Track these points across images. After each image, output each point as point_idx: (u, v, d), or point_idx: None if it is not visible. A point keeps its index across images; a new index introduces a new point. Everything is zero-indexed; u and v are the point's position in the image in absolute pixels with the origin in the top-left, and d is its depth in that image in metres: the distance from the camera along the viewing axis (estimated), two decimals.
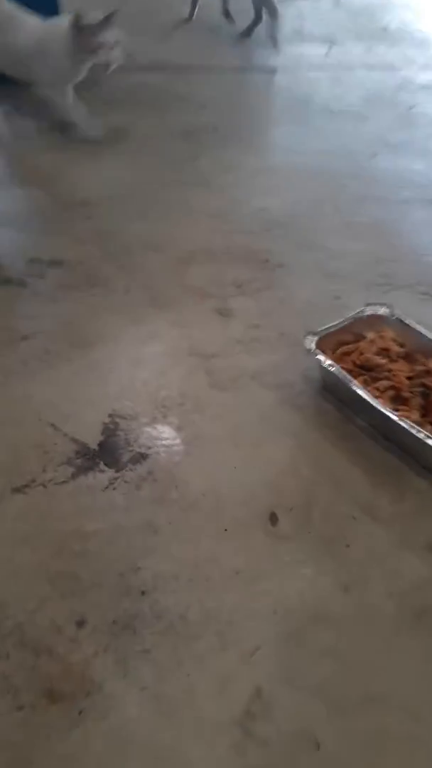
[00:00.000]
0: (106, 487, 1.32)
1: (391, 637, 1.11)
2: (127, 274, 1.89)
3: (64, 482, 1.32)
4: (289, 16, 3.86)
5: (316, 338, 1.51)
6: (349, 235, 2.10)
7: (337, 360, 1.49)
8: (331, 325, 1.56)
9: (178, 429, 1.44)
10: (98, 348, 1.64)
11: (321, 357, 1.46)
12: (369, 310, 1.60)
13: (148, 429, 1.44)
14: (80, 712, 0.99)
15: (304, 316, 1.75)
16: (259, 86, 3.21)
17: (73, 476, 1.33)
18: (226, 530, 1.25)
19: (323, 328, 1.54)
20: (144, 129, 2.71)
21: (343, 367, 1.45)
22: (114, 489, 1.31)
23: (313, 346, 1.49)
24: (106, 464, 1.36)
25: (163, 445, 1.40)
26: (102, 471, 1.35)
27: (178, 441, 1.41)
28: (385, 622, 1.12)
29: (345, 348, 1.55)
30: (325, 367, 1.45)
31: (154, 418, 1.46)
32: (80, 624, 1.09)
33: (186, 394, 1.53)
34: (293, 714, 1.01)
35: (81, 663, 1.05)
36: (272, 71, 3.33)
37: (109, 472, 1.34)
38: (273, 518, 1.27)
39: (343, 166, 2.50)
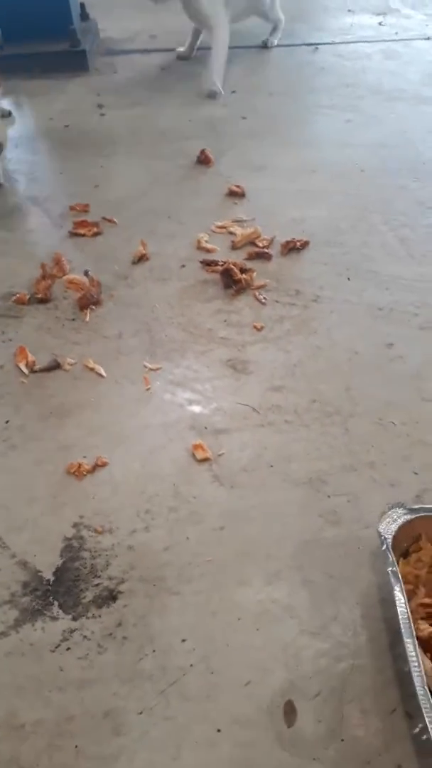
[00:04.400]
0: (57, 646, 0.94)
1: None
2: (122, 307, 1.50)
3: (2, 634, 0.96)
4: None
5: (399, 522, 0.95)
6: (407, 255, 1.65)
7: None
8: None
9: (165, 550, 1.05)
10: (75, 418, 1.27)
11: (397, 592, 0.87)
12: None
13: (122, 549, 1.05)
14: None
15: (345, 374, 1.32)
16: (298, 66, 2.74)
17: (16, 624, 0.97)
18: (218, 731, 0.85)
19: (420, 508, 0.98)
20: (159, 119, 2.30)
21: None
22: (68, 650, 0.93)
23: (388, 537, 0.93)
24: (61, 606, 0.98)
25: (141, 578, 1.01)
26: (54, 617, 0.97)
27: (162, 571, 1.02)
28: None
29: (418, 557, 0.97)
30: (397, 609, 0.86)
31: (132, 531, 1.08)
32: None
33: (180, 493, 1.13)
34: None
35: None
36: (313, 48, 2.85)
37: (65, 620, 0.97)
38: (289, 711, 0.87)
39: (402, 163, 2.02)
